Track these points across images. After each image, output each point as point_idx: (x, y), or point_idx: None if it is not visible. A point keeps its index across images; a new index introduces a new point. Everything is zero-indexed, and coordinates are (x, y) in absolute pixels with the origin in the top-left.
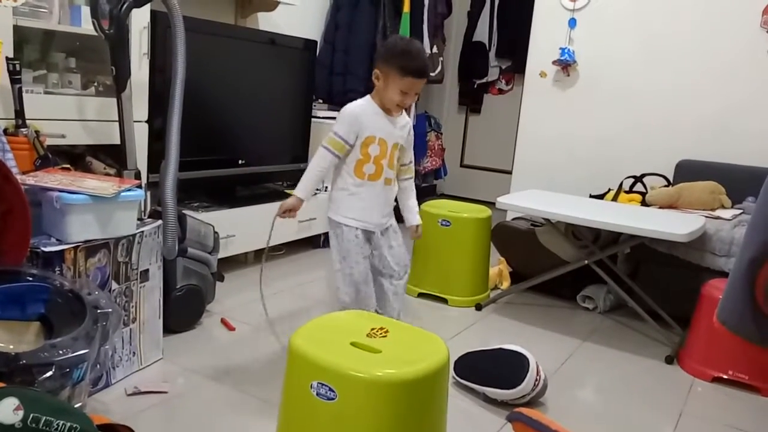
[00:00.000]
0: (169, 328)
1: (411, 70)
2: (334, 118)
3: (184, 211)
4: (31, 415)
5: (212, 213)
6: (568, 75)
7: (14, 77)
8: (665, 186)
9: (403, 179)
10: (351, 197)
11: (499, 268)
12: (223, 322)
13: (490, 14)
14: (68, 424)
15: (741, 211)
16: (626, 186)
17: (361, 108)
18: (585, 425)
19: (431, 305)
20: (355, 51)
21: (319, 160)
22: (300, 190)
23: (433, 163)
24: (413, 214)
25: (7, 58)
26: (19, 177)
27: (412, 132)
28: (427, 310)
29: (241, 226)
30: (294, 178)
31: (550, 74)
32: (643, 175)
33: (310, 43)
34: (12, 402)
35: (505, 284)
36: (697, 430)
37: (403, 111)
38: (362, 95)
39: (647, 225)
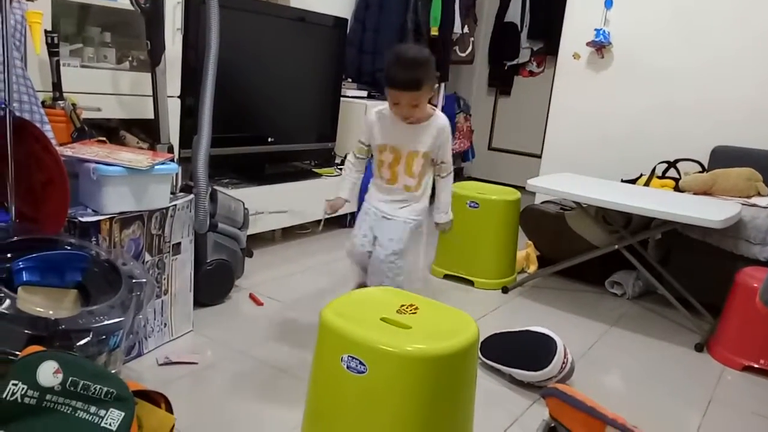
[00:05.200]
0: (199, 302)
1: (392, 81)
2: (362, 97)
3: (214, 187)
4: (70, 379)
5: (241, 190)
6: (602, 57)
7: (52, 50)
8: (700, 172)
9: (437, 176)
10: (375, 191)
11: (526, 251)
12: (252, 297)
13: None
14: (105, 389)
15: None
16: (659, 171)
17: (378, 115)
18: (612, 410)
19: (457, 287)
20: (385, 30)
21: (346, 166)
22: (340, 191)
23: (461, 145)
24: (437, 211)
25: (46, 31)
26: (57, 148)
27: (445, 134)
28: (452, 291)
29: (270, 204)
30: (322, 157)
31: (583, 56)
32: (677, 161)
33: (340, 21)
34: (52, 365)
35: (533, 268)
36: (726, 418)
37: (436, 116)
38: None
39: (681, 211)
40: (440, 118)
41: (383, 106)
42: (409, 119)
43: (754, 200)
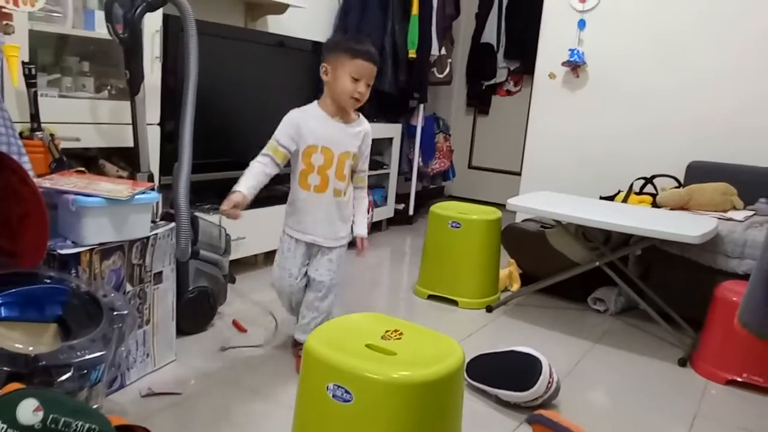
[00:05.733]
0: (181, 330)
1: (361, 53)
2: None
3: (195, 213)
4: (51, 416)
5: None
6: (578, 76)
7: (30, 81)
8: (676, 187)
9: (354, 187)
10: (298, 209)
11: (509, 269)
12: (235, 324)
13: (498, 16)
14: (87, 425)
15: (753, 212)
16: (636, 188)
17: (304, 114)
18: (598, 428)
19: (441, 307)
20: None
21: (253, 163)
22: (238, 185)
23: (442, 164)
24: (359, 223)
25: (23, 63)
26: (35, 180)
27: (368, 140)
28: (437, 312)
29: (252, 228)
30: None
31: (559, 75)
32: (654, 177)
33: (318, 46)
34: (32, 403)
35: (516, 286)
36: None
37: (362, 117)
38: (370, 97)
39: (659, 226)
40: (366, 121)
41: (305, 111)
42: (360, 103)
43: (730, 214)
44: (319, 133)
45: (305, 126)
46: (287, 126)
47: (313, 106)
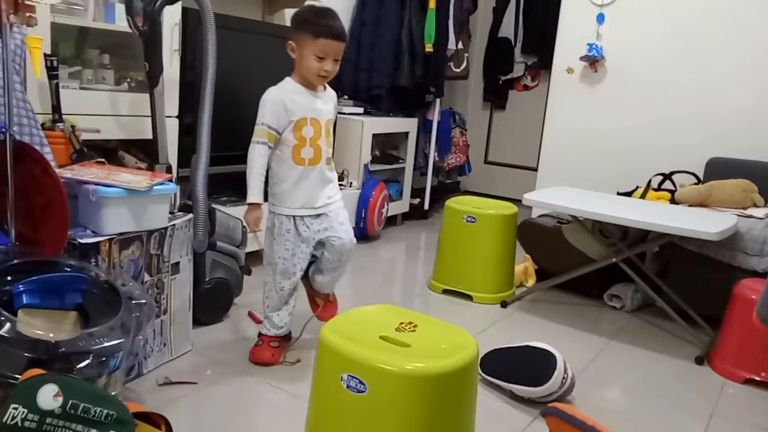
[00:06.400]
0: (198, 321)
1: (323, 32)
2: (359, 113)
3: (212, 205)
4: (70, 402)
5: (239, 207)
6: (596, 71)
7: (52, 73)
8: (695, 184)
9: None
10: (294, 187)
11: (524, 265)
12: (250, 315)
13: (516, 10)
14: (105, 411)
15: None
16: (655, 184)
17: (283, 91)
18: (613, 425)
19: (456, 302)
20: (380, 47)
21: (257, 158)
22: (255, 196)
23: (458, 159)
24: None
25: (45, 55)
26: (56, 170)
27: (336, 103)
28: (451, 306)
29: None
30: None
31: (577, 70)
32: (673, 173)
33: None
34: (52, 388)
35: (531, 282)
36: None
37: (327, 85)
38: (387, 91)
39: (677, 223)
40: (329, 87)
41: (284, 87)
42: (328, 78)
43: (750, 211)
44: (306, 105)
45: (290, 101)
46: (274, 107)
47: (290, 81)
